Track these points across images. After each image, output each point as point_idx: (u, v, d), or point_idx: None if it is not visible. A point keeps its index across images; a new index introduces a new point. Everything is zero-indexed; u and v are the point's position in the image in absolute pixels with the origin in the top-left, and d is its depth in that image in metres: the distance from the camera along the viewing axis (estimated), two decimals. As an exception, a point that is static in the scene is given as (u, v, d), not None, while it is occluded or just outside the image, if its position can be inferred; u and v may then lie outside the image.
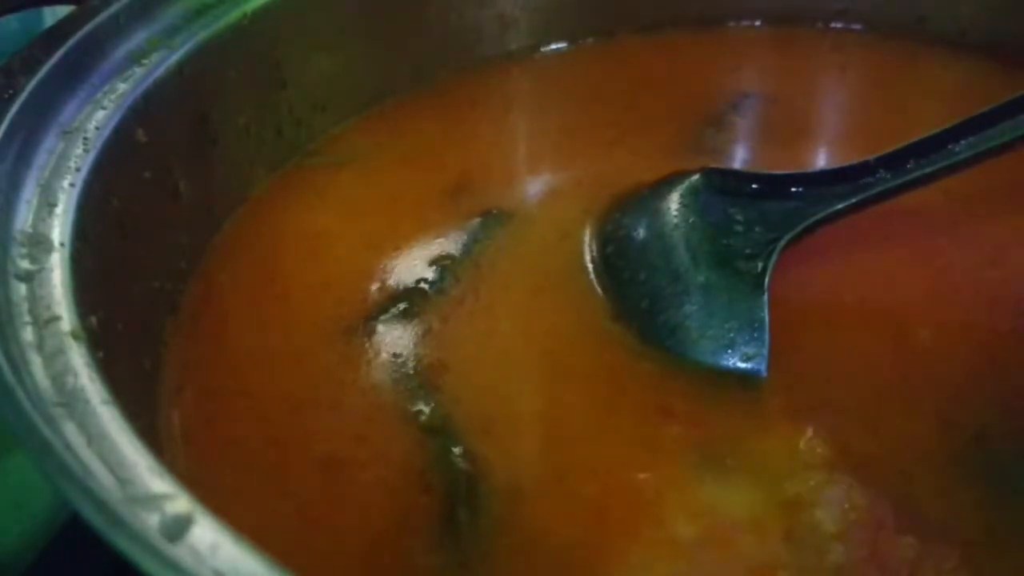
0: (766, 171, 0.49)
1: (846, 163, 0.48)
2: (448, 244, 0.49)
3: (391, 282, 0.47)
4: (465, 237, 0.49)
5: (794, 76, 0.63)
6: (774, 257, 0.43)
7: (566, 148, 0.57)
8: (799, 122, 0.59)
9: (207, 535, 0.27)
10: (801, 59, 0.64)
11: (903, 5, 0.63)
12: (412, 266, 0.48)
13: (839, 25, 0.65)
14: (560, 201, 0.52)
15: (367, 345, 0.45)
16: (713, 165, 0.50)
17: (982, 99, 0.47)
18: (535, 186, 0.54)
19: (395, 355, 0.44)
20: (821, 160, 0.56)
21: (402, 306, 0.46)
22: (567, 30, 0.64)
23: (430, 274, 0.48)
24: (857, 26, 0.65)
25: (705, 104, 0.60)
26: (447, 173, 0.54)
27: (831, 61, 0.64)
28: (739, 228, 0.45)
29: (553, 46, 0.64)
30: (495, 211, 0.51)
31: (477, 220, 0.50)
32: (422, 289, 0.47)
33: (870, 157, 0.47)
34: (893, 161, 0.46)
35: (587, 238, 0.48)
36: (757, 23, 0.66)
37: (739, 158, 0.56)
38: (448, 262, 0.48)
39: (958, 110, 0.47)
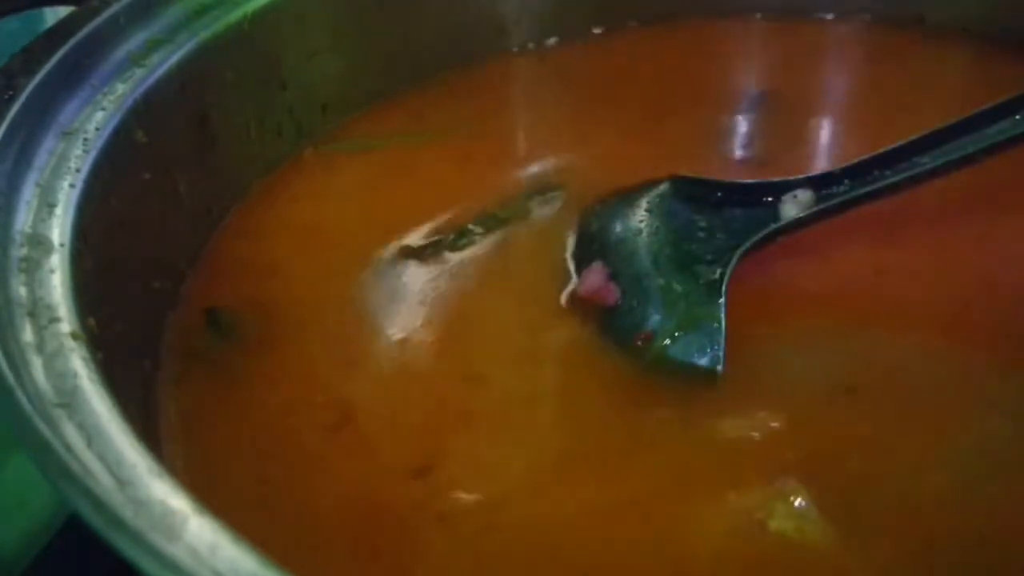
0: (747, 172, 0.50)
1: (854, 157, 0.48)
2: (441, 234, 0.50)
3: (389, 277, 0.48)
4: (459, 234, 0.50)
5: (803, 69, 0.63)
6: (732, 264, 0.44)
7: (571, 142, 0.57)
8: (808, 115, 0.59)
9: (206, 535, 0.27)
10: (809, 52, 0.64)
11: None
12: (409, 262, 0.49)
13: (845, 17, 0.65)
14: (560, 194, 0.52)
15: (368, 332, 0.45)
16: (719, 158, 0.50)
17: (987, 91, 0.47)
18: (535, 180, 0.54)
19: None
20: (830, 153, 0.56)
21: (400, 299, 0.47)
22: (573, 23, 0.64)
23: (426, 269, 0.48)
24: (863, 18, 0.65)
25: (712, 98, 0.60)
26: (446, 170, 0.54)
27: (841, 53, 0.65)
28: (702, 234, 0.47)
29: (559, 39, 0.64)
30: (492, 207, 0.51)
31: (474, 215, 0.51)
32: (417, 275, 0.48)
33: (835, 167, 0.48)
34: (857, 171, 0.47)
35: (569, 234, 0.49)
36: (759, 16, 0.66)
37: (745, 151, 0.56)
38: (438, 247, 0.49)
39: (965, 102, 0.47)
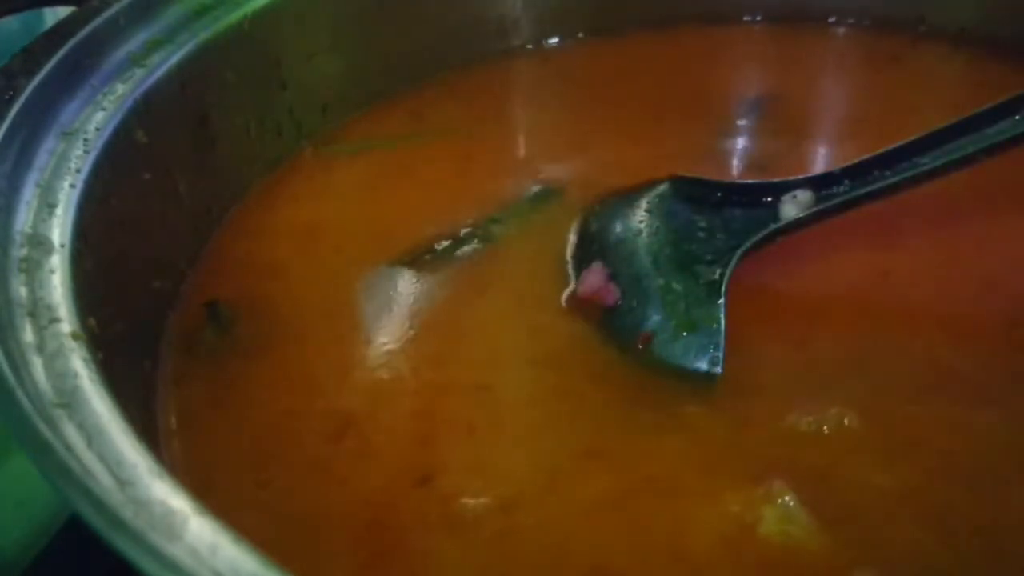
0: (745, 176, 0.50)
1: (853, 159, 0.48)
2: (441, 236, 0.50)
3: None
4: (459, 236, 0.50)
5: (803, 72, 0.63)
6: (732, 264, 0.44)
7: (571, 142, 0.57)
8: (808, 118, 0.59)
9: (206, 535, 0.27)
10: (809, 55, 0.64)
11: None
12: (409, 264, 0.49)
13: (844, 20, 0.65)
14: (559, 195, 0.52)
15: (368, 334, 0.45)
16: (719, 160, 0.50)
17: (986, 93, 0.47)
18: (535, 181, 0.54)
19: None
20: (829, 156, 0.56)
21: (399, 302, 0.47)
22: (572, 25, 0.64)
23: (426, 271, 0.48)
24: (861, 22, 0.65)
25: (711, 100, 0.60)
26: (446, 170, 0.54)
27: (838, 57, 0.65)
28: (702, 235, 0.47)
29: (559, 40, 0.64)
30: (492, 207, 0.51)
31: (474, 216, 0.51)
32: (416, 279, 0.48)
33: (835, 168, 0.48)
34: (857, 171, 0.47)
35: (569, 235, 0.49)
36: (759, 18, 0.66)
37: (744, 154, 0.57)
38: (437, 249, 0.49)
39: (964, 105, 0.47)
